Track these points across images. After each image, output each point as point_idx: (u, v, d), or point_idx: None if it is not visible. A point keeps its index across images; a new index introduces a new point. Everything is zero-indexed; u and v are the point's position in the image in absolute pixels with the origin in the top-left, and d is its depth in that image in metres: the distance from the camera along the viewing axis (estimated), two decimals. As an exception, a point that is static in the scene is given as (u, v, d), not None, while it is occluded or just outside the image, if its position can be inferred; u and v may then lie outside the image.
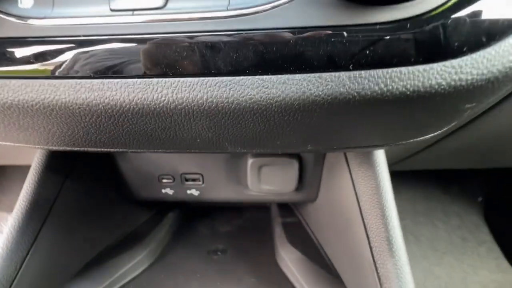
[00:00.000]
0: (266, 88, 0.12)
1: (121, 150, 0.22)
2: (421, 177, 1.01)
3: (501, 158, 0.57)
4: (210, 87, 0.13)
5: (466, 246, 0.87)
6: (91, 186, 0.28)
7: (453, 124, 0.15)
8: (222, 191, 0.30)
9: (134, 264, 0.27)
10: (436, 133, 0.16)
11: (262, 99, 0.13)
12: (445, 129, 0.16)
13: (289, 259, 0.26)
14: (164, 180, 0.30)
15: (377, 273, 0.19)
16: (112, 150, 0.20)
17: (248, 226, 0.38)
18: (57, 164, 0.25)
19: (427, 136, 0.16)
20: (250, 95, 0.13)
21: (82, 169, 0.27)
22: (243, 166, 0.28)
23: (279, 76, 0.12)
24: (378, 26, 0.11)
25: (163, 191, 0.31)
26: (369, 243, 0.20)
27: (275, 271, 0.27)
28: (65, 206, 0.24)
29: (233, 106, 0.13)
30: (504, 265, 0.81)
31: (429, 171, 0.95)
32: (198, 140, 0.16)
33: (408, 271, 0.18)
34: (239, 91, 0.13)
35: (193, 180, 0.30)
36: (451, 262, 0.83)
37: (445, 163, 0.61)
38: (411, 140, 0.16)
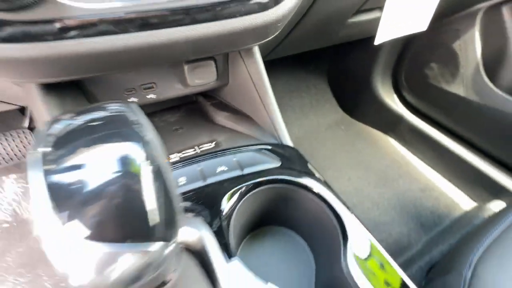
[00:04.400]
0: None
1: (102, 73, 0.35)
2: (291, 64, 1.36)
3: (334, 36, 0.86)
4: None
5: (318, 104, 1.32)
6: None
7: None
8: (171, 90, 0.46)
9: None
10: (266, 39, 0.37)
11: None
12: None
13: (223, 116, 0.48)
14: (128, 93, 0.44)
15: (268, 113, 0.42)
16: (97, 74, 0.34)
17: (188, 115, 0.57)
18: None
19: (263, 40, 0.37)
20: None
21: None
22: (181, 71, 0.45)
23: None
24: None
25: (129, 100, 0.44)
26: (262, 101, 0.43)
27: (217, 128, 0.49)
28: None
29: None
30: (338, 110, 1.30)
31: (294, 58, 1.28)
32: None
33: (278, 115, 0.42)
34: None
35: (150, 88, 0.45)
36: (311, 116, 1.27)
37: (301, 47, 0.88)
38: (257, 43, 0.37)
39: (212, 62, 0.45)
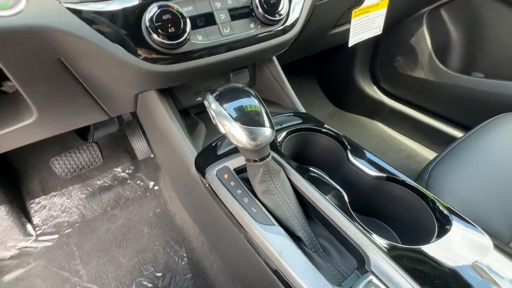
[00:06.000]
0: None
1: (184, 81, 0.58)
2: (284, 73, 1.64)
3: (319, 46, 1.12)
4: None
5: (313, 102, 1.57)
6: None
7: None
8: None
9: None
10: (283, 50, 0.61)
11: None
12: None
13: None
14: (196, 94, 0.67)
15: (287, 95, 0.66)
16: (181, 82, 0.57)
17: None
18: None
19: (281, 51, 0.62)
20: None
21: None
22: (228, 77, 0.69)
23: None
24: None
25: (197, 99, 0.68)
26: (282, 89, 0.67)
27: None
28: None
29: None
30: (330, 105, 1.55)
31: (286, 67, 1.55)
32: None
33: (295, 96, 0.66)
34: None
35: (209, 89, 0.68)
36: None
37: (296, 55, 1.13)
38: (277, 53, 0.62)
39: (247, 69, 0.69)
